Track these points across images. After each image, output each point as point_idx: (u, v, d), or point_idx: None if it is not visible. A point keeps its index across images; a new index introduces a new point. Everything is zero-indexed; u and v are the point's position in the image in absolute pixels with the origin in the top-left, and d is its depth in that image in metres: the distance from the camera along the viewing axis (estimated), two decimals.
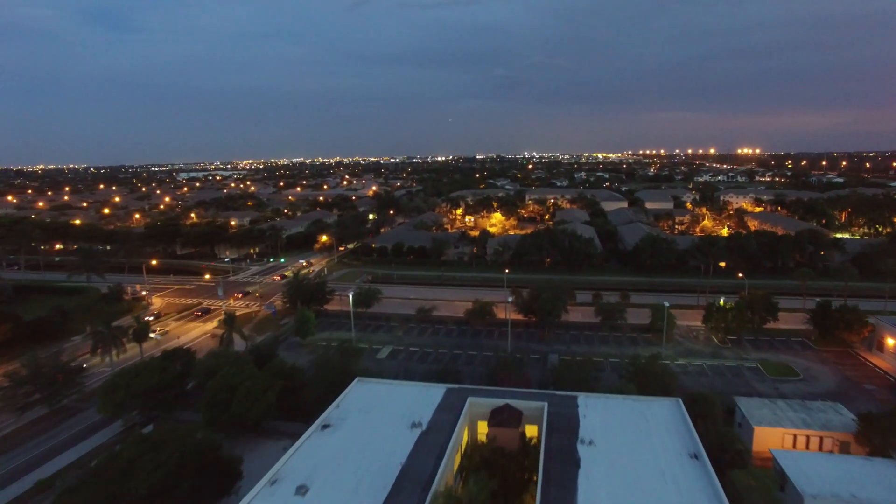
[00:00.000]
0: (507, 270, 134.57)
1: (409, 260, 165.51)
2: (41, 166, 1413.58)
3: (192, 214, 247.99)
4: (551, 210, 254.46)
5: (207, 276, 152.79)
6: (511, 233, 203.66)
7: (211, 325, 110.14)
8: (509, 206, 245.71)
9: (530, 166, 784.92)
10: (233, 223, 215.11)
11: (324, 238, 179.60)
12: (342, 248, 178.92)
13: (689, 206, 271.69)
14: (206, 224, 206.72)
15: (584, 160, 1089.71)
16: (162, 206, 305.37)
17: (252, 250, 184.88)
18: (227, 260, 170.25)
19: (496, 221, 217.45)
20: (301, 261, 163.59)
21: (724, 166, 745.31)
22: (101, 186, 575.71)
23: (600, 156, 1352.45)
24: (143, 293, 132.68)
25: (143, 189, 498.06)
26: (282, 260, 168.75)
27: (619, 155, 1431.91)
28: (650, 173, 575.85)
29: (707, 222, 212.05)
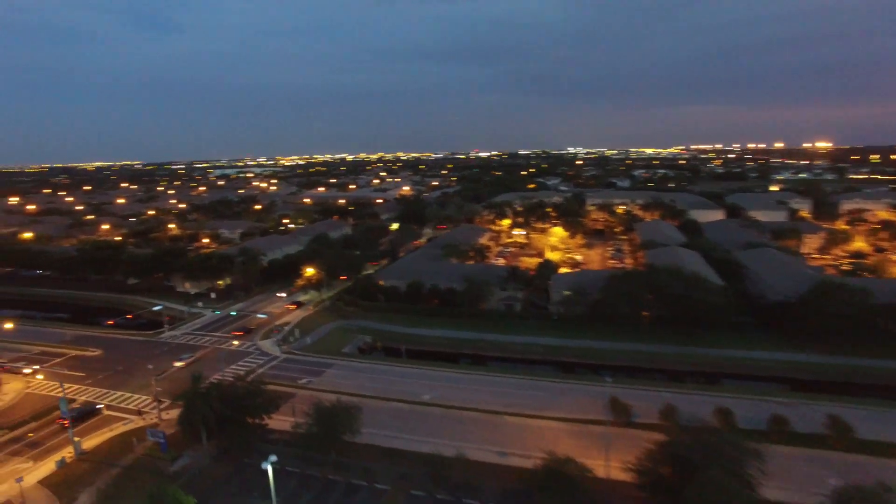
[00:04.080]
0: (609, 381, 74.21)
1: (433, 306, 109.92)
2: (97, 163, 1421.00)
3: (171, 225, 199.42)
4: (625, 220, 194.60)
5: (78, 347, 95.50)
6: (578, 258, 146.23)
7: (37, 473, 58.16)
8: (570, 217, 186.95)
9: (578, 162, 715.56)
10: (205, 240, 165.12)
11: (309, 271, 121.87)
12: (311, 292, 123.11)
13: (804, 214, 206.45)
14: (170, 242, 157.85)
15: (633, 155, 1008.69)
16: (153, 212, 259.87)
17: (219, 283, 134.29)
18: (157, 307, 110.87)
19: (557, 241, 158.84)
20: (260, 315, 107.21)
21: (798, 161, 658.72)
22: (123, 185, 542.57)
23: (649, 151, 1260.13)
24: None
25: (160, 189, 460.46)
26: (232, 313, 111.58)
27: (672, 150, 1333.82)
28: (718, 170, 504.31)
29: (861, 244, 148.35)
